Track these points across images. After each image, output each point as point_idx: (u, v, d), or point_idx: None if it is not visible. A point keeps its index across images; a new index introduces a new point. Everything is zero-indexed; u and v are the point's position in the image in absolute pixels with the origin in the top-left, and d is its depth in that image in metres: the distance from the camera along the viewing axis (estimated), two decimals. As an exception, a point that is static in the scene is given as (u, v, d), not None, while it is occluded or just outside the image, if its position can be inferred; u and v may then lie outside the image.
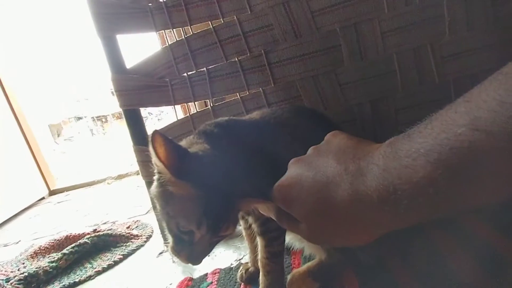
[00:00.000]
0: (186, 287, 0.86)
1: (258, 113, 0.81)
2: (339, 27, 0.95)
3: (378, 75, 0.96)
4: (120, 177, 2.78)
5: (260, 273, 0.72)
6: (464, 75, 0.92)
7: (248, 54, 1.01)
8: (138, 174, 2.73)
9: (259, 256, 0.72)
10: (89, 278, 1.07)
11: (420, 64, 0.93)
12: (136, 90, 1.06)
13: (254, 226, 0.70)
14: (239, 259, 0.96)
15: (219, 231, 0.53)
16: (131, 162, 3.48)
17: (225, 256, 1.01)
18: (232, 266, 0.92)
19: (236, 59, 1.01)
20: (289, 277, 0.72)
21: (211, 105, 1.07)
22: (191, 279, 0.89)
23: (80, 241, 1.23)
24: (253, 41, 1.00)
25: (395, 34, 0.93)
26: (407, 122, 1.09)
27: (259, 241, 0.71)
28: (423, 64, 0.93)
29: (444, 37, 0.91)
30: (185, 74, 1.05)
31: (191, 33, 1.03)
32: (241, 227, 0.83)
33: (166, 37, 1.06)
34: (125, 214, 1.71)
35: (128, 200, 2.01)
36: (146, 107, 1.13)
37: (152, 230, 1.35)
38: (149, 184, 1.16)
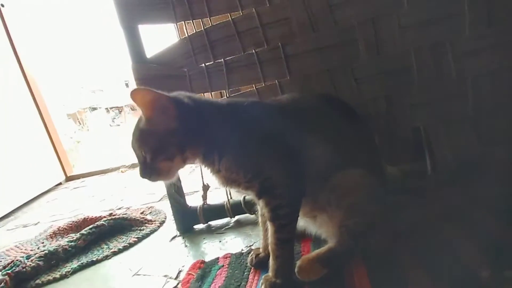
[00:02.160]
0: (198, 269, 0.89)
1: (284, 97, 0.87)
2: (357, 21, 0.95)
3: (394, 70, 0.97)
4: (133, 166, 2.85)
5: (270, 257, 0.74)
6: (482, 72, 0.91)
7: (266, 46, 1.02)
8: (151, 164, 2.79)
9: (269, 241, 0.74)
10: (106, 258, 1.12)
11: (438, 60, 0.93)
12: (155, 79, 1.09)
13: (264, 211, 0.73)
14: (250, 246, 0.99)
15: (156, 161, 0.70)
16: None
17: (236, 243, 1.04)
18: (243, 251, 0.95)
19: (254, 51, 1.03)
20: (298, 262, 0.74)
21: (227, 95, 1.09)
22: (203, 262, 0.93)
23: (97, 223, 1.28)
24: (271, 33, 1.01)
25: (413, 29, 0.93)
26: (422, 118, 1.09)
27: (269, 226, 0.74)
28: (440, 60, 0.93)
29: (463, 33, 0.90)
30: (203, 65, 1.08)
31: (210, 25, 1.05)
32: (257, 213, 0.86)
33: (185, 28, 1.09)
34: (139, 201, 1.76)
35: (141, 188, 2.07)
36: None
37: (165, 216, 1.40)
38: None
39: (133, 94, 0.67)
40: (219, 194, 1.55)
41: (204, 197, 1.21)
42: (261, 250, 0.86)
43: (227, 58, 1.06)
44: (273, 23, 1.01)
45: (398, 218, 0.84)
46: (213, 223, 1.22)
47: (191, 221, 1.22)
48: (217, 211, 1.20)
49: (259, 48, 1.03)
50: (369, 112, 1.01)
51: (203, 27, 1.06)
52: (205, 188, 1.22)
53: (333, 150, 0.73)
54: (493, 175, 0.88)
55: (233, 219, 1.20)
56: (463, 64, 0.92)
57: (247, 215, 1.18)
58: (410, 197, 0.97)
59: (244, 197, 1.16)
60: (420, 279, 0.65)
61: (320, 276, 0.72)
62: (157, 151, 0.71)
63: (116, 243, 1.20)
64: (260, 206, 0.76)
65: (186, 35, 1.07)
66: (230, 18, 1.03)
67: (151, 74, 1.09)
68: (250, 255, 0.87)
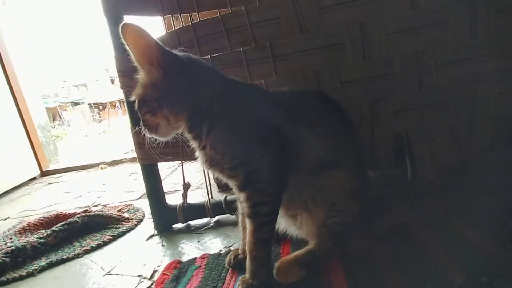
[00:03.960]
0: (174, 269, 0.86)
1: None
2: (345, 25, 0.96)
3: (379, 76, 0.98)
4: (114, 163, 2.77)
5: (247, 258, 0.72)
6: (463, 81, 0.94)
7: (253, 45, 1.01)
8: (132, 162, 2.72)
9: (246, 240, 0.73)
10: (77, 256, 1.07)
11: (422, 67, 0.95)
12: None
13: (244, 205, 0.71)
14: (229, 246, 0.97)
15: (141, 112, 0.71)
16: (126, 150, 3.47)
17: (215, 243, 1.01)
18: (221, 252, 0.92)
19: (241, 49, 1.02)
20: (276, 264, 0.72)
21: (213, 93, 1.07)
22: (179, 262, 0.90)
23: (70, 219, 1.22)
24: (259, 32, 1.00)
25: (399, 36, 0.94)
26: (404, 125, 1.10)
27: (248, 225, 0.71)
28: (424, 67, 0.95)
29: (447, 43, 0.92)
30: (189, 60, 1.05)
31: (198, 20, 1.03)
32: (237, 214, 0.84)
33: (173, 22, 1.06)
34: (117, 198, 1.70)
35: (121, 185, 2.01)
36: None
37: (144, 215, 1.35)
38: (144, 167, 1.16)
39: (123, 27, 0.64)
40: (200, 194, 1.53)
41: (185, 195, 1.18)
42: (240, 251, 0.84)
43: (214, 55, 1.04)
44: (262, 22, 1.00)
45: (378, 222, 0.85)
46: (193, 222, 1.19)
47: (170, 220, 1.18)
48: (197, 211, 1.17)
49: (246, 46, 1.02)
50: (353, 116, 1.01)
51: (191, 22, 1.04)
52: (186, 186, 1.19)
53: (324, 148, 0.73)
54: (472, 183, 0.91)
55: (213, 219, 1.17)
56: (445, 73, 0.94)
57: (227, 215, 1.15)
58: (390, 202, 0.99)
59: (225, 197, 1.14)
60: (396, 283, 0.65)
61: (298, 278, 0.71)
62: (142, 101, 0.70)
63: (89, 241, 1.15)
64: (240, 201, 0.74)
65: (174, 29, 1.05)
66: (218, 15, 1.01)
67: (134, 66, 1.05)
68: (228, 255, 0.84)
